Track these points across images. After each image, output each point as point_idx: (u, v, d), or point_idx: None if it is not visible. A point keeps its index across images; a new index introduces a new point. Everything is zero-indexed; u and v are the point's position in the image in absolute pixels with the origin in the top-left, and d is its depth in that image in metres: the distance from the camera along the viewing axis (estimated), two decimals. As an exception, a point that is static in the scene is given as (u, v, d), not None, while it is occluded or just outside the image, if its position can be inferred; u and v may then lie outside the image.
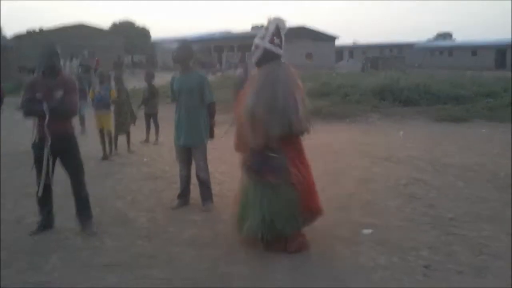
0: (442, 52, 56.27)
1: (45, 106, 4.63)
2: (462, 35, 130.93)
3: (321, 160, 8.05)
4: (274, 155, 4.22)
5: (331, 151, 8.87)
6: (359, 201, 5.91)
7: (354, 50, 55.26)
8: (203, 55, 42.90)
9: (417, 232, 4.85)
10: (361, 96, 14.87)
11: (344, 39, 52.74)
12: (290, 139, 4.31)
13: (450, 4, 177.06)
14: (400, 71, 24.34)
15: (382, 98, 14.76)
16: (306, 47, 43.58)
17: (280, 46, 4.36)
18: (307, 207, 4.41)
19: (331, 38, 49.36)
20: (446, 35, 78.70)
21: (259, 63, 4.36)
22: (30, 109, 4.80)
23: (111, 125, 8.56)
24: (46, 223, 4.97)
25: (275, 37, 4.33)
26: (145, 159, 8.45)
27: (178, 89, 5.57)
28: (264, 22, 4.44)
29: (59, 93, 4.72)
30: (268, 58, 4.31)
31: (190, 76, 5.52)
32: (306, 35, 44.66)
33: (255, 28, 61.77)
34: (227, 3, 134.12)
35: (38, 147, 4.78)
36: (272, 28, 4.33)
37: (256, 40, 4.35)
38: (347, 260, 4.27)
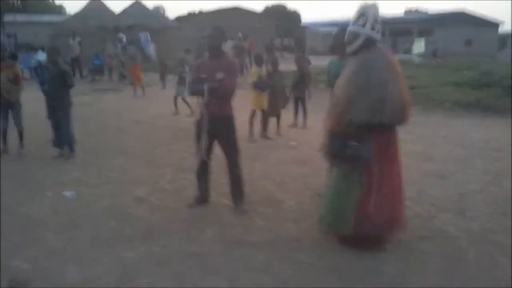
0: None
1: (205, 87, 4.87)
2: None
3: (479, 158, 7.51)
4: (354, 144, 4.00)
5: (491, 149, 8.17)
6: (524, 207, 5.36)
7: (520, 38, 50.10)
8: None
9: None
10: (527, 90, 13.42)
11: (508, 25, 47.82)
12: (383, 133, 4.03)
13: None
14: None
15: (552, 92, 13.16)
16: (465, 34, 40.53)
17: (379, 31, 4.13)
18: (368, 213, 4.04)
19: (493, 24, 45.32)
20: None
21: (358, 51, 4.12)
22: (193, 88, 5.12)
23: (265, 106, 8.78)
24: (203, 197, 5.27)
25: (375, 24, 4.10)
26: (292, 143, 8.56)
27: (334, 74, 5.47)
28: (363, 7, 4.15)
29: (220, 75, 4.92)
30: (368, 45, 4.09)
31: (347, 62, 5.38)
32: (466, 21, 41.51)
33: (409, 12, 59.06)
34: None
35: (198, 125, 5.07)
36: (372, 14, 4.09)
37: (355, 28, 4.11)
38: (507, 271, 3.89)
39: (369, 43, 4.08)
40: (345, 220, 4.09)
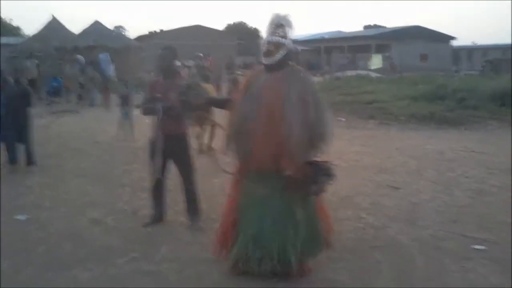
0: None
1: (159, 106, 4.92)
2: None
3: (432, 169, 7.76)
4: (329, 163, 3.86)
5: (444, 159, 8.47)
6: (473, 214, 5.58)
7: (473, 52, 52.01)
8: (312, 56, 42.76)
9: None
10: (478, 102, 14.00)
11: (462, 40, 49.53)
12: None
13: None
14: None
15: (502, 104, 13.76)
16: (421, 48, 41.86)
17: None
18: (328, 230, 4.02)
19: (447, 39, 47.00)
20: None
21: (279, 65, 3.77)
22: (147, 108, 5.16)
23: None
24: (158, 216, 5.26)
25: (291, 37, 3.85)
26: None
27: None
28: (279, 17, 3.84)
29: (174, 94, 4.97)
30: (288, 58, 3.82)
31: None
32: (421, 35, 42.91)
33: (368, 27, 60.54)
34: (338, 3, 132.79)
35: (153, 144, 5.09)
36: (289, 26, 3.82)
37: (276, 38, 3.76)
38: (455, 276, 4.06)
39: (290, 56, 3.85)
40: (317, 245, 3.92)
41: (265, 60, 3.79)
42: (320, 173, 3.75)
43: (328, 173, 3.80)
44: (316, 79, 22.39)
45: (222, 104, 4.53)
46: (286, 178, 3.68)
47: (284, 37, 3.79)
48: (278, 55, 3.74)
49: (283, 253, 3.72)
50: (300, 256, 3.78)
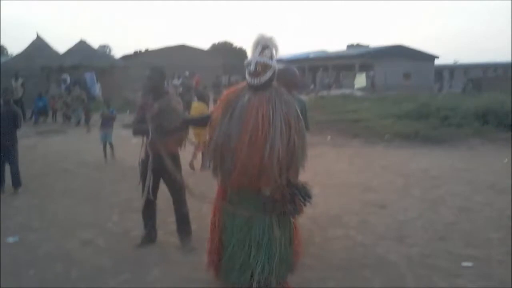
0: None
1: (150, 126, 4.94)
2: None
3: (418, 186, 7.86)
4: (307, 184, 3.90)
5: (429, 177, 8.58)
6: (459, 231, 5.67)
7: (455, 70, 52.83)
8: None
9: (522, 268, 4.58)
10: (462, 119, 14.21)
11: (444, 59, 50.37)
12: None
13: None
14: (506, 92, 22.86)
15: (485, 122, 14.00)
16: (404, 67, 42.44)
17: None
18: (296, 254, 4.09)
19: (430, 58, 47.73)
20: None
21: (264, 86, 3.74)
22: (136, 128, 5.20)
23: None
24: (150, 237, 5.28)
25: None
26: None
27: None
28: (265, 39, 3.79)
29: (150, 118, 5.01)
30: (273, 80, 3.81)
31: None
32: (404, 54, 43.53)
33: (351, 46, 61.26)
34: (322, 22, 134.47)
35: (143, 164, 5.12)
36: (275, 48, 3.80)
37: (264, 59, 3.71)
38: (444, 293, 4.14)
39: (274, 77, 3.82)
40: (286, 267, 3.94)
41: (252, 81, 3.73)
42: (297, 194, 3.79)
43: (306, 194, 3.84)
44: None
45: (200, 122, 4.60)
46: (265, 198, 3.71)
47: (271, 58, 3.77)
48: (265, 76, 3.70)
49: (263, 274, 3.74)
50: (277, 276, 3.80)
